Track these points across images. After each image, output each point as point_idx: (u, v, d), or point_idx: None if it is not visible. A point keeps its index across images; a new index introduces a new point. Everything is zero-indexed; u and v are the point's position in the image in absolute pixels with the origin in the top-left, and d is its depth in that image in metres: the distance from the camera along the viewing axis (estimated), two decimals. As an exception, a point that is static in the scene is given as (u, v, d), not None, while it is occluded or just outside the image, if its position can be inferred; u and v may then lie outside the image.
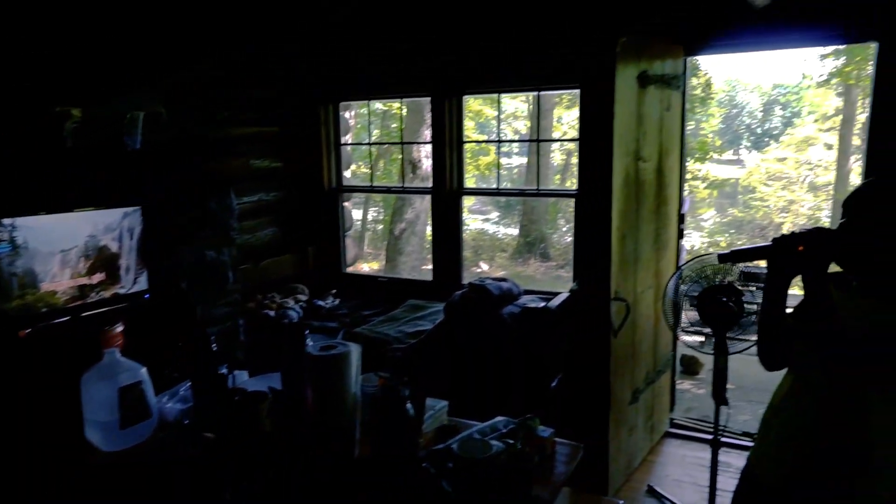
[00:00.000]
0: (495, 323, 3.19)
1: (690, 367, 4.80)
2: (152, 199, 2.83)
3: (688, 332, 3.04)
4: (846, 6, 2.94)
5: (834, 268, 1.48)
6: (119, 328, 2.50)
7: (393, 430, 1.50)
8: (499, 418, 1.91)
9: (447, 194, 4.31)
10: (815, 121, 19.36)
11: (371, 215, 14.98)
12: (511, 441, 1.72)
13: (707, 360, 4.85)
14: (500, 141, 4.50)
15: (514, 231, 15.34)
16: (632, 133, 3.00)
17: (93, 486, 1.76)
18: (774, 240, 1.48)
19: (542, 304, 3.20)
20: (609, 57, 2.77)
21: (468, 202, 17.03)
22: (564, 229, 15.81)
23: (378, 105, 11.12)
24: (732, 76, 26.58)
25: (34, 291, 2.21)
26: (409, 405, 1.49)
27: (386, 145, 10.39)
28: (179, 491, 1.53)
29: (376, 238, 14.74)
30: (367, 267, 11.78)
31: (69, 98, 2.88)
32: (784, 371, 1.62)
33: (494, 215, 17.58)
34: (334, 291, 4.53)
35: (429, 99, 4.31)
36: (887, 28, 2.88)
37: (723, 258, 1.94)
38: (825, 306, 1.42)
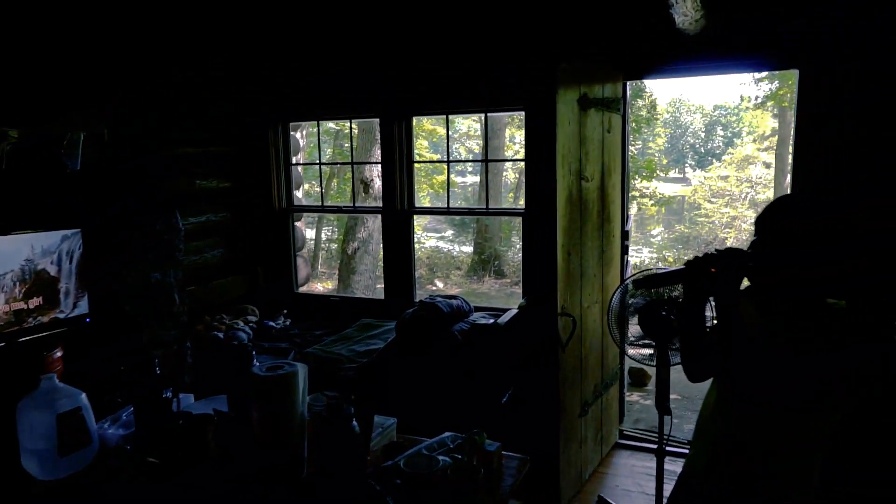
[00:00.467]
0: (446, 340, 3.22)
1: (639, 379, 4.93)
2: (93, 222, 2.77)
3: (634, 346, 3.14)
4: (770, 37, 3.14)
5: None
6: (58, 353, 2.43)
7: (338, 448, 1.51)
8: (446, 434, 1.94)
9: (398, 213, 4.35)
10: (754, 140, 20.26)
11: (325, 234, 14.88)
12: (458, 456, 1.75)
13: (654, 372, 5.01)
14: (449, 161, 4.54)
15: (469, 249, 15.47)
16: (574, 153, 3.11)
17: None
18: (688, 263, 1.52)
19: (492, 321, 3.25)
20: (550, 81, 2.87)
21: (423, 220, 17.10)
22: (517, 247, 16.05)
23: (330, 124, 11.12)
24: (676, 97, 27.65)
25: (-33, 317, 2.14)
26: (354, 423, 1.50)
27: (338, 165, 10.36)
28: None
29: (330, 257, 14.62)
30: (321, 287, 11.67)
31: (4, 118, 2.81)
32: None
33: (449, 233, 17.70)
34: (285, 312, 4.49)
35: (378, 121, 4.35)
36: (805, 57, 3.08)
37: (638, 284, 2.01)
38: (732, 324, 1.50)
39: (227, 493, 1.65)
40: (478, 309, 3.76)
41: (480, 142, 16.40)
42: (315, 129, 11.36)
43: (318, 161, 8.70)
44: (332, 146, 13.07)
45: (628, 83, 3.66)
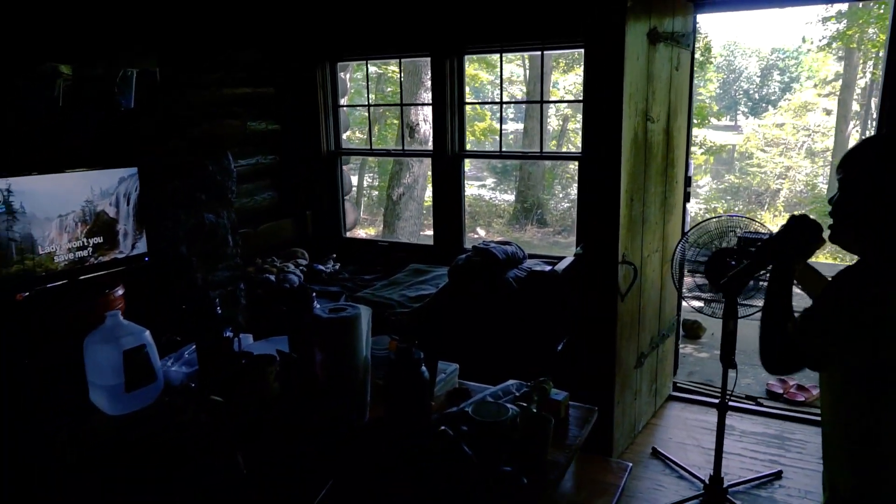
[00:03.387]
0: (501, 287, 3.15)
1: (692, 332, 4.80)
2: (148, 161, 2.75)
3: (695, 297, 3.02)
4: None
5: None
6: (119, 292, 2.44)
7: (408, 393, 1.47)
8: (511, 381, 1.88)
9: (448, 157, 4.23)
10: (815, 86, 19.17)
11: (366, 181, 14.85)
12: (524, 404, 1.69)
13: (709, 325, 4.86)
14: (503, 102, 4.35)
15: (511, 197, 15.25)
16: (641, 92, 2.92)
17: (101, 448, 1.73)
18: (758, 249, 1.54)
19: (549, 268, 3.16)
20: (619, 13, 2.67)
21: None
22: (559, 195, 15.74)
23: (373, 68, 10.91)
24: (731, 40, 26.25)
25: (32, 257, 2.15)
26: (423, 368, 1.45)
27: (382, 108, 10.18)
28: (191, 456, 1.50)
29: (372, 203, 14.63)
30: (363, 233, 11.71)
31: (58, 55, 2.77)
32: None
33: (490, 181, 17.45)
34: (334, 256, 4.48)
35: (428, 60, 4.19)
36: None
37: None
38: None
39: (288, 434, 1.63)
40: (530, 256, 3.67)
41: (523, 87, 15.95)
42: (358, 74, 11.14)
43: (364, 103, 8.55)
44: (374, 91, 12.87)
45: (698, 15, 3.40)
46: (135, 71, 2.83)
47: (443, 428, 1.32)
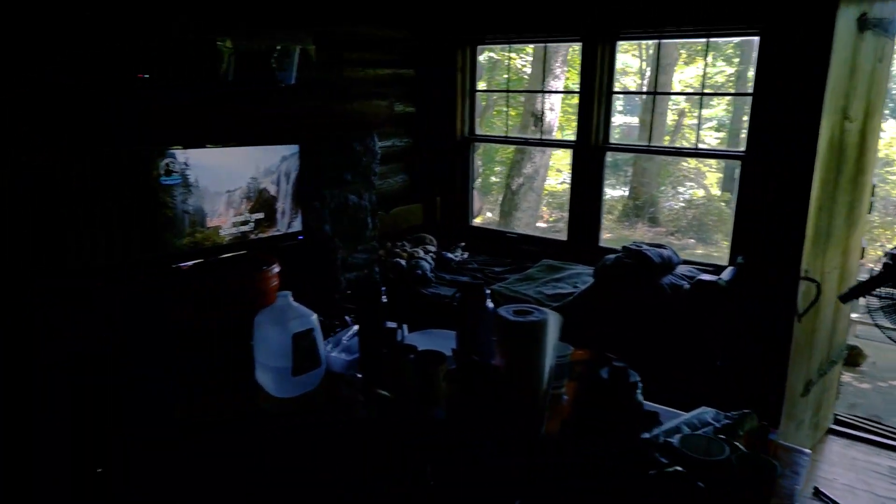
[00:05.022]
0: (653, 292, 2.91)
1: (852, 359, 4.31)
2: (307, 139, 2.73)
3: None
4: None
5: None
6: (276, 269, 2.42)
7: (613, 419, 1.30)
8: (705, 409, 1.66)
9: (591, 149, 3.99)
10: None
11: (478, 169, 14.76)
12: (723, 437, 1.48)
13: (871, 351, 4.35)
14: (657, 93, 4.04)
15: (620, 193, 14.65)
16: (842, 87, 2.57)
17: (265, 432, 1.70)
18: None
19: (714, 278, 2.87)
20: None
21: (565, 160, 16.40)
22: (670, 194, 14.92)
23: (490, 55, 10.69)
24: None
25: (202, 230, 2.17)
26: (639, 393, 1.27)
27: (495, 95, 9.89)
28: (366, 456, 1.41)
29: (484, 192, 14.51)
30: (477, 220, 11.66)
31: (222, 30, 2.80)
32: None
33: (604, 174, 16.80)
34: (462, 244, 4.37)
35: (558, 47, 3.95)
36: None
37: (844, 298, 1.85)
38: None
39: (459, 440, 1.50)
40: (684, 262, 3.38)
41: (636, 78, 15.17)
42: (481, 59, 10.98)
43: (499, 89, 8.32)
44: (487, 79, 12.68)
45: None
46: (297, 46, 2.81)
47: (677, 469, 1.14)
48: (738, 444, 1.46)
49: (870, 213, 3.31)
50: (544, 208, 11.45)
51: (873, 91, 2.86)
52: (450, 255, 4.18)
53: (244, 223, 2.35)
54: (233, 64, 2.60)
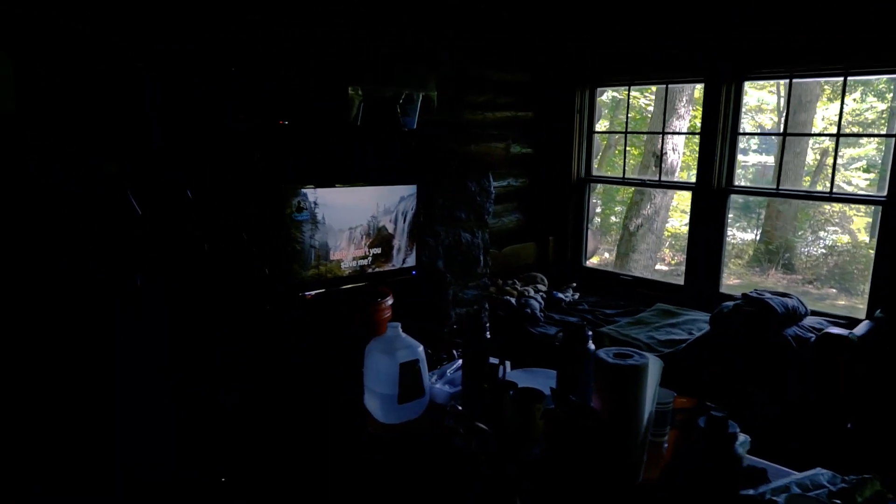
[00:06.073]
0: (776, 344, 2.75)
1: None
2: (425, 179, 2.90)
3: None
4: None
5: None
6: (389, 301, 2.58)
7: (712, 471, 1.27)
8: (820, 470, 1.56)
9: (713, 192, 3.86)
10: None
11: (597, 209, 14.56)
12: (837, 502, 1.38)
13: None
14: (786, 134, 3.86)
15: (751, 236, 13.79)
16: None
17: (371, 457, 1.81)
18: None
19: (845, 332, 2.67)
20: None
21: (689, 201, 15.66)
22: (809, 239, 13.81)
23: (614, 93, 10.59)
24: None
25: (326, 263, 2.37)
26: (738, 446, 1.24)
27: (617, 135, 9.78)
28: (466, 486, 1.47)
29: (595, 231, 14.25)
30: (591, 261, 11.48)
31: (355, 79, 3.07)
32: None
33: (728, 218, 15.96)
34: (574, 285, 4.36)
35: (683, 87, 3.88)
36: None
37: None
38: None
39: (559, 484, 1.52)
40: (813, 314, 3.16)
41: (773, 116, 14.31)
42: (607, 97, 10.89)
43: (616, 130, 8.31)
44: (610, 118, 12.54)
45: None
46: (421, 93, 3.01)
47: (773, 528, 1.10)
48: (856, 511, 1.37)
49: None
50: (667, 250, 11.04)
51: None
52: (560, 294, 4.18)
53: (363, 257, 2.54)
54: (361, 110, 2.83)
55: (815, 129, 12.44)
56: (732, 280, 11.66)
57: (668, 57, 3.94)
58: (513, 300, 3.93)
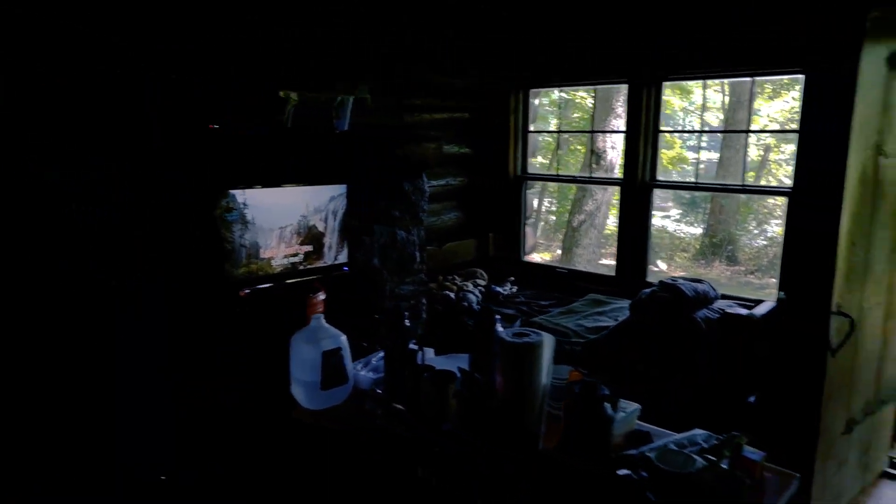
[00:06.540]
0: (687, 326, 2.95)
1: (919, 402, 4.08)
2: (355, 179, 3.01)
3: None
4: None
5: None
6: (321, 297, 2.68)
7: (588, 429, 1.43)
8: (697, 431, 1.75)
9: (638, 186, 4.08)
10: None
11: (545, 206, 14.83)
12: (713, 458, 1.56)
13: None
14: (703, 131, 4.10)
15: (697, 230, 14.28)
16: (873, 124, 2.58)
17: (297, 439, 1.91)
18: None
19: (745, 312, 2.90)
20: (854, 34, 2.40)
21: (647, 197, 16.09)
22: (755, 231, 14.37)
23: (561, 94, 10.90)
24: None
25: (256, 261, 2.46)
26: (607, 405, 1.40)
27: (567, 135, 10.11)
28: (377, 461, 1.59)
29: (548, 228, 14.56)
30: (538, 257, 11.71)
31: (289, 83, 3.16)
32: None
33: (675, 212, 16.46)
34: (512, 279, 4.53)
35: (619, 87, 4.09)
36: None
37: None
38: None
39: (462, 453, 1.66)
40: (722, 297, 3.39)
41: (720, 114, 14.88)
42: (545, 100, 11.17)
43: (550, 129, 8.57)
44: (560, 117, 12.85)
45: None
46: (351, 97, 3.12)
47: (626, 472, 1.26)
48: (721, 462, 1.54)
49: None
50: (613, 246, 11.37)
51: (914, 127, 2.84)
52: (498, 288, 4.34)
53: (294, 255, 2.63)
54: (292, 113, 2.92)
55: (753, 126, 12.97)
56: (679, 272, 12.06)
57: (594, 61, 4.15)
58: (452, 295, 4.07)
